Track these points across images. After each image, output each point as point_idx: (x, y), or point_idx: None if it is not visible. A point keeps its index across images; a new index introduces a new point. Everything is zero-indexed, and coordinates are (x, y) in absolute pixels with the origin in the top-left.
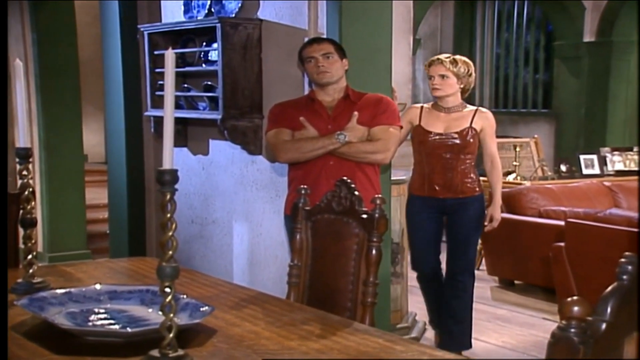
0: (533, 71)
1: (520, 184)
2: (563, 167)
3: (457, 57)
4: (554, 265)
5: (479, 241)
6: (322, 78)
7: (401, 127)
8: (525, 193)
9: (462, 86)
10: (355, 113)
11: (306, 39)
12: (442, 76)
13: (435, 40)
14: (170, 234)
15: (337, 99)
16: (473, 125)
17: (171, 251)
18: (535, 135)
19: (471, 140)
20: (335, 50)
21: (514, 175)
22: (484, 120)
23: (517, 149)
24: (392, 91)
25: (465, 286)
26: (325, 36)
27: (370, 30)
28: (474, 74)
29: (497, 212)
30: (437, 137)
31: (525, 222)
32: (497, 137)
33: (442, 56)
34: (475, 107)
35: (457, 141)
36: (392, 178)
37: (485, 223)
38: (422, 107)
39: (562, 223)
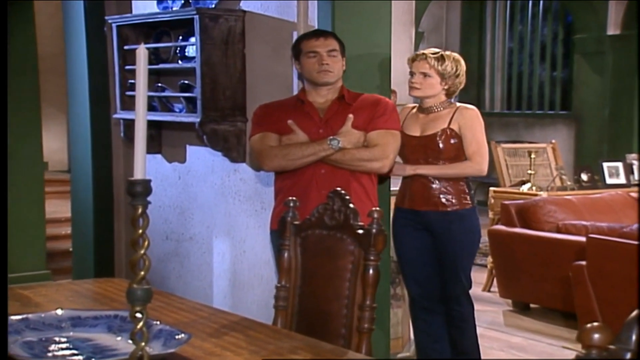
0: (550, 68)
1: (535, 195)
2: (584, 176)
3: (447, 53)
4: (574, 286)
5: (490, 260)
6: (324, 77)
7: (402, 131)
8: (542, 205)
9: (446, 87)
10: (350, 116)
11: (295, 33)
12: (424, 74)
13: (440, 33)
14: (142, 252)
15: (330, 100)
16: (451, 126)
17: (143, 271)
18: (553, 140)
19: (451, 142)
20: (339, 48)
21: (528, 185)
22: (461, 117)
23: (532, 156)
24: (391, 91)
25: (463, 315)
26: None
27: (367, 24)
28: (463, 74)
29: (415, 169)
30: (414, 140)
31: (542, 238)
32: (510, 142)
33: (429, 51)
34: (458, 105)
35: (432, 145)
36: (391, 188)
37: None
38: (413, 107)
39: (583, 239)
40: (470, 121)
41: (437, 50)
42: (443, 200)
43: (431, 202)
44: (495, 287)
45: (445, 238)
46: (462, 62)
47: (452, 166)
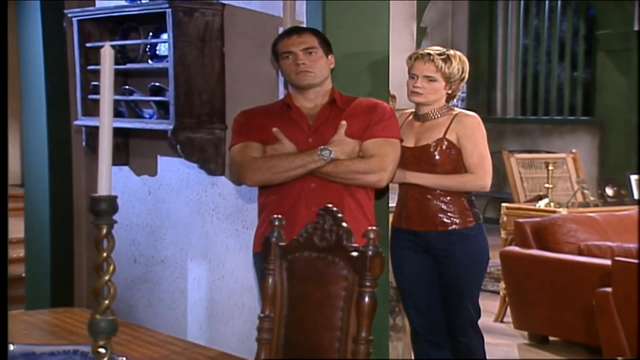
0: (570, 68)
1: (554, 211)
2: (609, 191)
3: (452, 52)
4: (598, 316)
5: (503, 286)
6: (303, 79)
7: (401, 140)
8: (561, 224)
9: (449, 92)
10: (343, 123)
11: (281, 29)
12: (428, 78)
13: (445, 29)
14: (107, 278)
15: (320, 105)
16: (447, 135)
17: (107, 300)
18: (574, 150)
19: (447, 153)
20: (319, 44)
21: (546, 200)
22: (460, 125)
23: (550, 168)
24: (389, 95)
25: (471, 348)
26: (305, 25)
27: (362, 18)
28: (467, 77)
29: (409, 177)
30: (407, 152)
31: (562, 261)
32: (525, 152)
33: (433, 50)
34: (457, 111)
35: (426, 157)
36: (390, 205)
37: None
38: (411, 113)
39: (608, 262)
40: (470, 130)
41: (440, 49)
42: (443, 218)
43: (429, 221)
44: (508, 317)
45: (447, 261)
46: (467, 62)
47: (451, 177)
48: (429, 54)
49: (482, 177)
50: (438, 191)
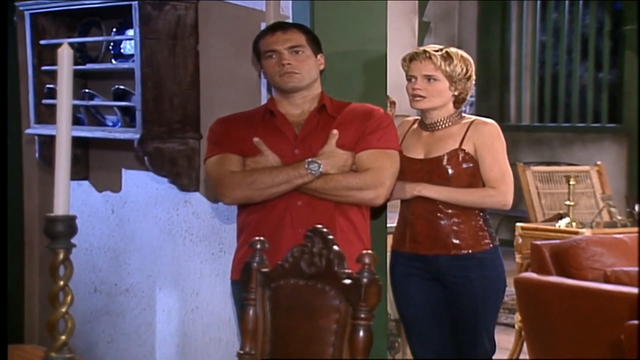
0: (594, 68)
1: (576, 232)
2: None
3: (452, 49)
4: (628, 352)
5: (518, 318)
6: (288, 82)
7: (400, 152)
8: (584, 247)
9: (456, 93)
10: (334, 132)
11: (264, 25)
12: (429, 78)
13: (452, 23)
14: (64, 309)
15: (307, 112)
16: (463, 146)
17: (64, 335)
18: (599, 162)
19: (463, 166)
20: (307, 42)
21: (566, 220)
22: (478, 134)
23: (572, 182)
24: (387, 100)
25: None
26: (291, 21)
27: (356, 12)
28: (474, 76)
29: (421, 189)
30: (416, 165)
31: (585, 289)
32: (543, 164)
33: (431, 48)
34: (472, 119)
35: (439, 170)
36: (388, 225)
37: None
38: (414, 120)
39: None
40: (489, 140)
41: (438, 46)
42: (455, 240)
43: (441, 244)
44: (525, 354)
45: (461, 289)
46: (471, 61)
47: (470, 191)
48: (425, 51)
49: (504, 193)
50: (450, 210)
